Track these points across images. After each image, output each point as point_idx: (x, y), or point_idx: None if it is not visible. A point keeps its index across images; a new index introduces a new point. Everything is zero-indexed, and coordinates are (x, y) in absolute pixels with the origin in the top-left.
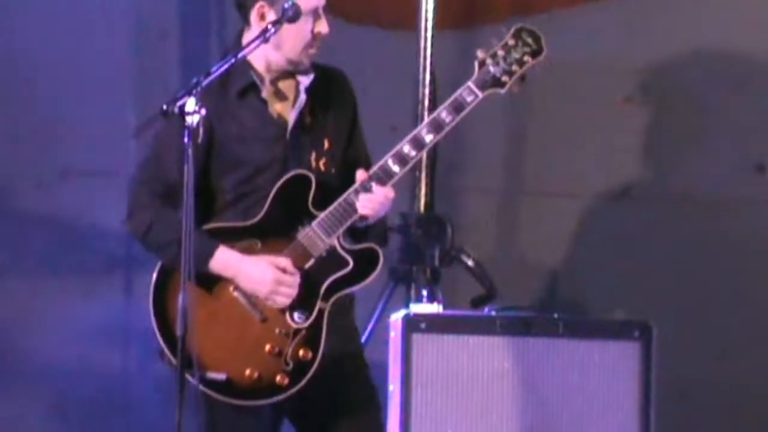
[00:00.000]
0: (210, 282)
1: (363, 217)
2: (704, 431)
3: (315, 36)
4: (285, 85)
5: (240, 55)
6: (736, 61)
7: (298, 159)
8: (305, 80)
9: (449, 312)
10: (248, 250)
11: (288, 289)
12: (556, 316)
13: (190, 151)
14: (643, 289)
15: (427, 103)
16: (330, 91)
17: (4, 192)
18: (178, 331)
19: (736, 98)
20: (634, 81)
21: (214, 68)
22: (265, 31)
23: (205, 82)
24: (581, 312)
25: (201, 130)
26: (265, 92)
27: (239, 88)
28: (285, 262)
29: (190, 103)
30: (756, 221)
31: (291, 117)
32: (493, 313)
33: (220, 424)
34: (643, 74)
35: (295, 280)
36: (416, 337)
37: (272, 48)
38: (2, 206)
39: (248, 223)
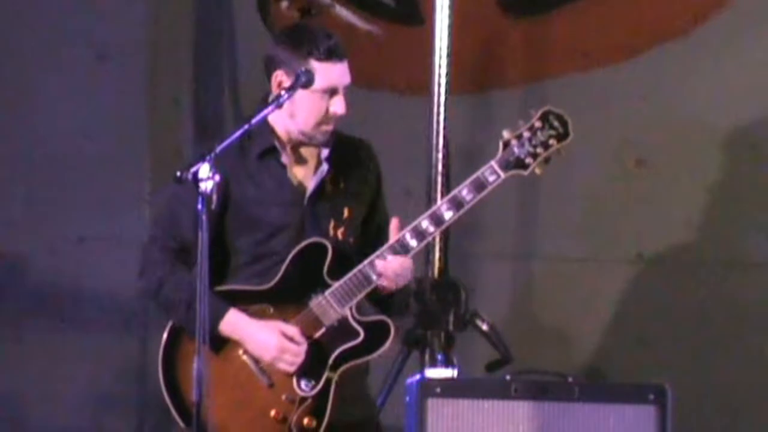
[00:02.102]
0: (220, 344)
1: (382, 288)
2: None
3: (328, 114)
4: (307, 152)
5: (254, 121)
6: (749, 125)
7: (316, 226)
8: (326, 150)
9: (464, 376)
10: (260, 315)
11: (292, 357)
12: (571, 380)
13: (204, 217)
14: (658, 352)
15: (440, 167)
16: (353, 161)
17: (21, 256)
18: (194, 397)
19: (752, 162)
20: (646, 144)
21: (229, 134)
22: (278, 96)
23: (219, 149)
24: (596, 376)
25: (215, 194)
26: (285, 157)
27: (259, 151)
28: (293, 330)
29: (204, 170)
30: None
31: (311, 184)
32: (508, 377)
33: None
34: (655, 138)
35: (301, 348)
36: (431, 402)
37: (287, 116)
38: (18, 271)
39: (262, 288)
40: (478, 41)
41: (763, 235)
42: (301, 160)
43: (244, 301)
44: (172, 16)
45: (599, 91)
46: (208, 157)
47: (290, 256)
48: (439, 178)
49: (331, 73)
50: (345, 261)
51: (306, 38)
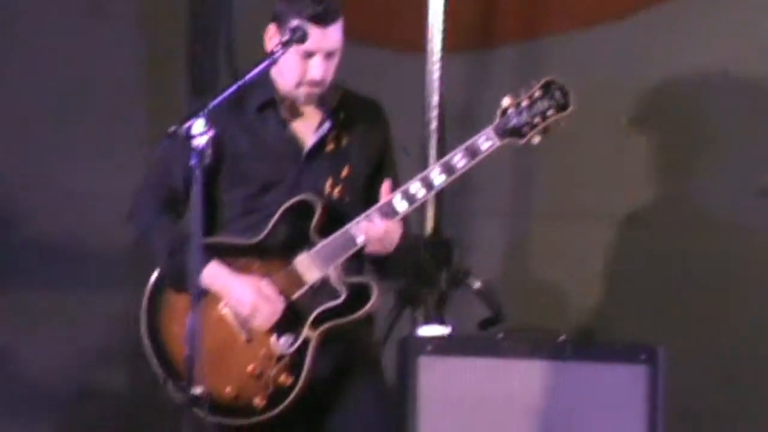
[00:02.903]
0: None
1: (373, 250)
2: None
3: (303, 77)
4: (309, 109)
5: (248, 77)
6: (744, 85)
7: (312, 183)
8: (330, 104)
9: (456, 334)
10: (246, 268)
11: (266, 316)
12: (563, 338)
13: (198, 171)
14: (650, 311)
15: (435, 125)
16: (360, 119)
17: (17, 211)
18: (186, 351)
19: (741, 123)
20: (639, 103)
21: (223, 90)
22: (272, 52)
23: (212, 104)
24: (589, 335)
25: (209, 148)
26: (284, 111)
27: (258, 104)
28: (270, 288)
29: (198, 125)
30: (762, 245)
31: (311, 140)
32: (501, 335)
33: None
34: (648, 97)
35: (276, 307)
36: (423, 359)
37: (278, 74)
38: (13, 226)
39: (250, 241)
40: (478, 3)
41: (756, 195)
42: (302, 116)
43: (231, 254)
44: None
45: (594, 49)
46: (201, 113)
47: (279, 212)
48: (434, 137)
49: (310, 36)
50: (338, 220)
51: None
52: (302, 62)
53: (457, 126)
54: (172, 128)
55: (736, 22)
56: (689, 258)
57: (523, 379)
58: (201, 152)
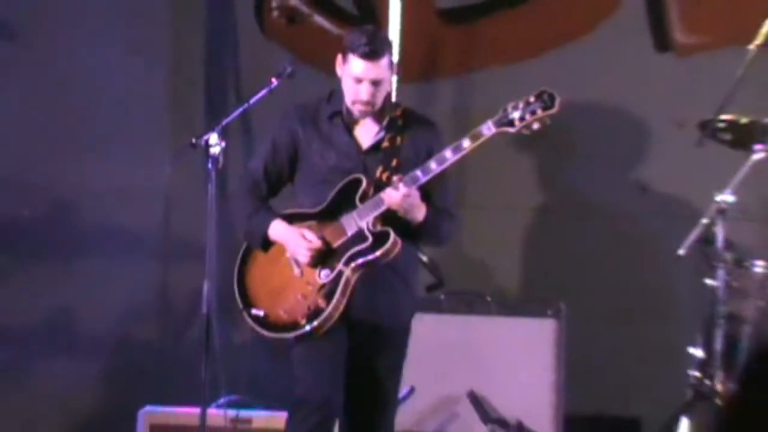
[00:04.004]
0: (269, 245)
1: (399, 212)
2: (606, 390)
3: (356, 97)
4: (369, 120)
5: (252, 101)
6: (619, 107)
7: (366, 171)
8: (385, 120)
9: None
10: (308, 227)
11: (304, 251)
12: (489, 299)
13: (213, 174)
14: (556, 277)
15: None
16: (413, 130)
17: (68, 203)
18: (204, 309)
19: (620, 135)
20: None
21: (232, 111)
22: (270, 83)
23: (224, 122)
24: (509, 296)
25: (286, 143)
26: (349, 119)
27: (329, 114)
28: (309, 233)
29: (213, 138)
30: (642, 228)
31: (367, 142)
32: (442, 296)
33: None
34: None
35: (312, 245)
36: None
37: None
38: (66, 215)
39: (314, 210)
40: (422, 43)
41: (637, 190)
42: (364, 125)
43: (300, 219)
44: (188, 20)
45: (516, 81)
46: (216, 128)
47: (336, 188)
48: None
49: (358, 67)
50: (378, 193)
51: (356, 38)
52: (355, 86)
53: None
54: (193, 139)
55: (610, 62)
56: (584, 237)
57: (459, 330)
58: (215, 159)
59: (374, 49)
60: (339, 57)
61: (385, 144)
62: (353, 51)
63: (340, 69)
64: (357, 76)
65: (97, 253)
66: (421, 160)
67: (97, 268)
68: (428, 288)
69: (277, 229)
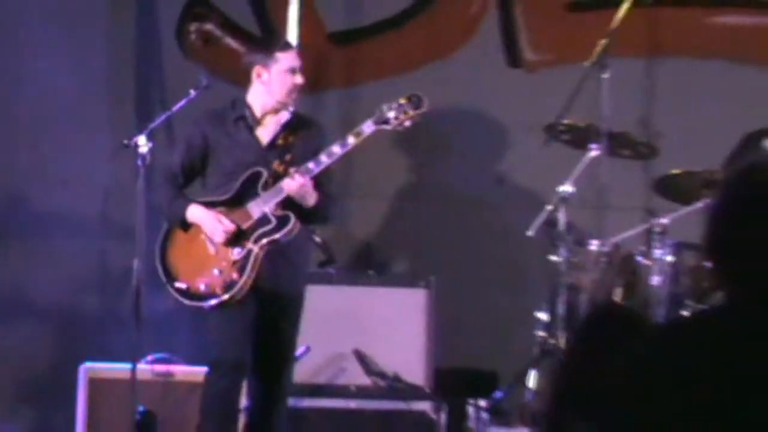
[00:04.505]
0: (188, 226)
1: (296, 198)
2: (469, 348)
3: (292, 87)
4: (269, 121)
5: (175, 108)
6: (484, 112)
7: (265, 164)
8: (283, 119)
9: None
10: (218, 212)
11: (221, 233)
12: (372, 273)
13: (142, 170)
14: (429, 254)
15: None
16: (302, 128)
17: (21, 193)
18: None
19: (480, 136)
20: (419, 126)
21: (157, 118)
22: (189, 94)
23: (151, 126)
24: (389, 271)
25: (199, 142)
26: (250, 121)
27: (235, 117)
28: (223, 218)
29: (142, 139)
30: (499, 214)
31: (266, 140)
32: (332, 271)
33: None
34: (424, 121)
35: (228, 228)
36: None
37: (266, 93)
38: (19, 204)
39: (222, 198)
40: (315, 60)
41: (494, 181)
42: (264, 127)
43: (211, 205)
44: (121, 41)
45: (393, 93)
46: (144, 132)
47: (240, 179)
48: None
49: (290, 58)
50: (277, 183)
51: (270, 43)
52: (290, 78)
53: None
54: (125, 141)
55: (472, 76)
56: (452, 221)
57: (346, 299)
58: (144, 157)
59: (289, 42)
60: (257, 68)
61: (280, 141)
62: (279, 50)
63: (265, 75)
64: (292, 67)
65: (46, 234)
66: (310, 154)
67: (46, 246)
68: (321, 264)
69: (195, 213)
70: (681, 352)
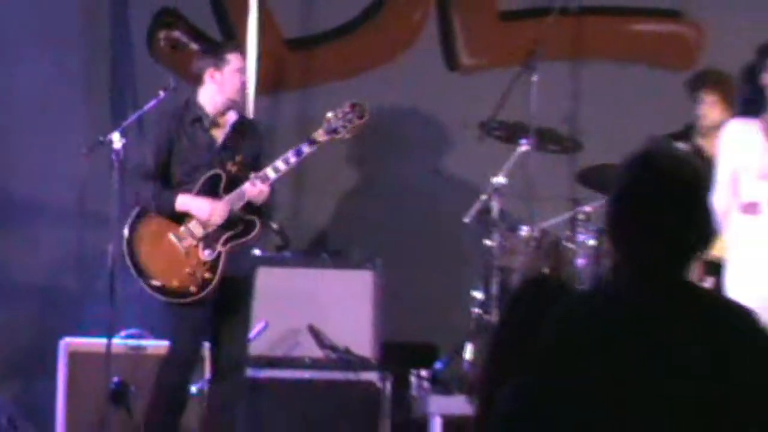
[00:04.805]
0: (162, 226)
1: (254, 201)
2: (412, 324)
3: (240, 86)
4: (221, 121)
5: (146, 108)
6: (430, 114)
7: (220, 164)
8: (231, 120)
9: (262, 254)
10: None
11: (219, 216)
12: (324, 255)
13: (117, 164)
14: (377, 238)
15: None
16: (247, 129)
17: None
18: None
19: (425, 134)
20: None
21: (129, 117)
22: (158, 95)
23: (124, 124)
24: (339, 254)
25: (165, 139)
26: (207, 123)
27: (191, 119)
28: (216, 202)
29: (116, 136)
30: (439, 202)
31: (219, 139)
32: (288, 254)
33: (176, 315)
34: (370, 120)
35: (224, 209)
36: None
37: (217, 93)
38: None
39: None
40: (272, 64)
41: (432, 173)
42: (217, 126)
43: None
44: (97, 44)
45: (343, 94)
46: (118, 129)
47: (201, 180)
48: None
49: (240, 60)
50: (236, 184)
51: (222, 45)
52: (240, 78)
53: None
54: (101, 138)
55: (414, 78)
56: (397, 209)
57: (301, 281)
58: (118, 152)
59: (236, 44)
60: (210, 71)
61: (230, 143)
62: (229, 52)
63: (218, 76)
64: (240, 67)
65: (29, 222)
66: (253, 154)
67: (29, 233)
68: (277, 248)
69: (185, 201)
70: (576, 319)
